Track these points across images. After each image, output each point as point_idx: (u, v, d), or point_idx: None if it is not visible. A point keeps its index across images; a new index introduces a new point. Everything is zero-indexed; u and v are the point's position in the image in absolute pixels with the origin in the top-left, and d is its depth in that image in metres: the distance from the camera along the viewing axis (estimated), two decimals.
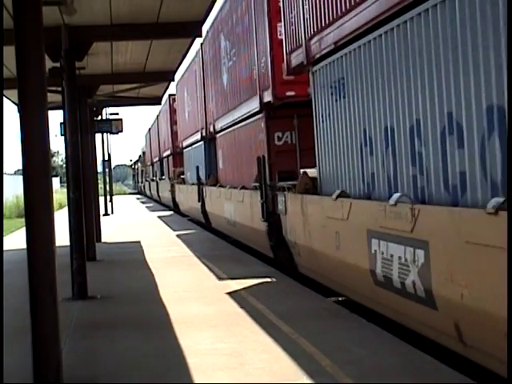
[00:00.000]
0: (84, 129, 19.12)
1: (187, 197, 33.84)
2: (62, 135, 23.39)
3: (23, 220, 8.08)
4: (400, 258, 9.22)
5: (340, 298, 12.91)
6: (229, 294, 13.11)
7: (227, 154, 23.52)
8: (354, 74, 11.30)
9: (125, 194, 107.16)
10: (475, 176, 7.73)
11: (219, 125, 24.32)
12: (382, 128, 10.29)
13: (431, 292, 8.40)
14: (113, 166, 66.39)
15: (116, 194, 76.04)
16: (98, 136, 40.71)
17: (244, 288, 13.60)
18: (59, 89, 14.71)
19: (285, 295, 12.74)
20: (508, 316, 6.34)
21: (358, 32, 10.71)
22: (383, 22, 9.82)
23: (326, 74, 12.69)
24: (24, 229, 7.91)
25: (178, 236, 26.06)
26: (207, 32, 25.43)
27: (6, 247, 18.45)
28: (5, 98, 22.18)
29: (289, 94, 16.09)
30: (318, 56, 12.87)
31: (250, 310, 11.47)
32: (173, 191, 41.17)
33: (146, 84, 22.52)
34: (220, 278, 15.09)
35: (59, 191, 68.72)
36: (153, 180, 61.63)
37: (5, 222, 33.45)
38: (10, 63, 11.15)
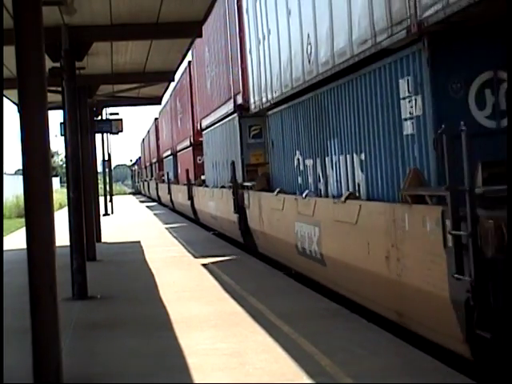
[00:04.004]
0: (84, 129, 19.13)
1: (164, 192, 49.06)
2: (62, 135, 23.41)
3: (23, 220, 8.07)
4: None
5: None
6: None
7: (180, 165, 39.97)
8: (210, 140, 27.92)
9: (125, 193, 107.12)
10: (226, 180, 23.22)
11: (178, 148, 40.23)
12: (214, 161, 26.35)
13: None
14: (113, 166, 66.44)
15: (116, 194, 76.06)
16: (98, 136, 40.70)
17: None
18: (59, 89, 14.71)
19: None
20: (508, 313, 6.35)
21: (209, 124, 27.16)
22: (216, 123, 25.70)
23: (205, 136, 29.23)
24: (24, 229, 7.91)
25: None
26: (173, 90, 40.35)
27: (6, 247, 18.43)
28: (5, 98, 22.19)
29: (201, 139, 30.55)
30: (203, 128, 29.05)
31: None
32: (157, 188, 57.15)
33: (146, 84, 22.54)
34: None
35: (59, 191, 68.64)
36: (145, 180, 77.89)
37: (5, 221, 33.44)
38: (10, 63, 11.13)
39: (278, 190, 16.33)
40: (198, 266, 17.64)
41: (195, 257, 19.46)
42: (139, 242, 24.65)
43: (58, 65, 14.40)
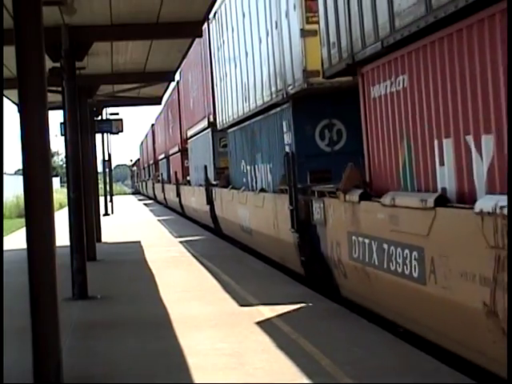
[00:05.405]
0: (84, 129, 19.12)
1: (159, 191, 55.26)
2: (62, 135, 23.40)
3: (23, 220, 8.07)
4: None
5: None
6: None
7: (173, 167, 44.54)
8: (193, 148, 32.96)
9: (125, 193, 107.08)
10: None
11: (170, 152, 45.53)
12: (196, 165, 31.48)
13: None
14: (113, 166, 66.47)
15: (116, 194, 76.07)
16: (98, 136, 40.73)
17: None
18: (59, 89, 14.70)
19: None
20: (508, 316, 6.37)
21: (192, 134, 32.37)
22: (197, 134, 31.19)
23: (190, 144, 33.96)
24: (24, 229, 7.90)
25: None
26: (166, 101, 43.47)
27: (5, 247, 18.43)
28: (5, 98, 22.19)
29: (187, 146, 35.34)
30: (188, 137, 33.64)
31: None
32: (153, 188, 63.56)
33: (146, 84, 22.54)
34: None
35: (59, 191, 68.60)
36: (144, 181, 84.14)
37: (5, 221, 33.45)
38: (10, 63, 11.15)
39: (230, 186, 22.74)
40: (198, 265, 17.68)
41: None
42: (139, 241, 24.67)
43: (58, 65, 14.40)
